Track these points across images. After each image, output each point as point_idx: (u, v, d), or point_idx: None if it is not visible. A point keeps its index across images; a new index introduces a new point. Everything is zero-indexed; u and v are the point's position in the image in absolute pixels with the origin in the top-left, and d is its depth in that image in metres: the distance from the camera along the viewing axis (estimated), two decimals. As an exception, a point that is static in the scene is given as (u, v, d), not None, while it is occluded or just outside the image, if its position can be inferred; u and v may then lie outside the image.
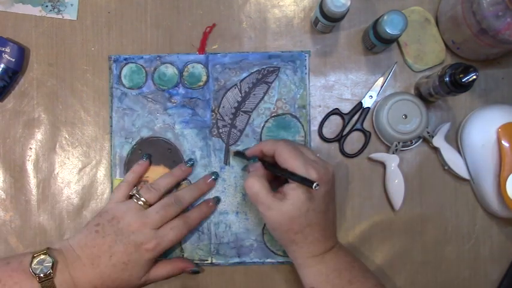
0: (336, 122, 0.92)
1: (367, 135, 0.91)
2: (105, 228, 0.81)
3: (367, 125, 0.91)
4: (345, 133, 0.91)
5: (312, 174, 0.76)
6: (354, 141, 0.91)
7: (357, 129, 0.91)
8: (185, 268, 0.87)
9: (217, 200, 0.90)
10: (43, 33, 0.92)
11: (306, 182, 0.74)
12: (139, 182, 0.89)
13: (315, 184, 0.72)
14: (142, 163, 0.89)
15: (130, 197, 0.86)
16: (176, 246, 0.90)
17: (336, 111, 0.91)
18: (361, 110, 0.91)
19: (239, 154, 0.89)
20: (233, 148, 0.91)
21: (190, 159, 0.90)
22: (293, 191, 0.76)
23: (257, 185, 0.78)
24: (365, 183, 0.91)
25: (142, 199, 0.83)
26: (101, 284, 0.79)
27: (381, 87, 0.91)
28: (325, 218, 0.78)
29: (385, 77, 0.91)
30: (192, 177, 0.90)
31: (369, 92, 0.91)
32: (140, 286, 0.84)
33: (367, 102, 0.91)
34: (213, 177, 0.90)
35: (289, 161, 0.77)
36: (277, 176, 0.82)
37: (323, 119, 0.91)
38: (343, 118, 0.91)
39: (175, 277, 0.89)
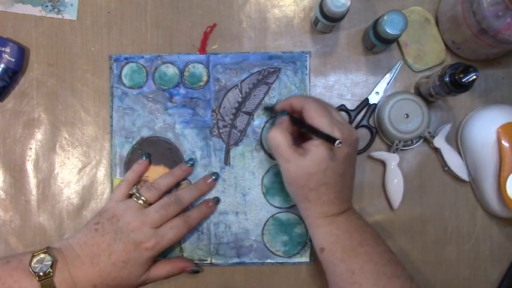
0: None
1: (373, 131, 0.91)
2: (104, 226, 0.81)
3: (373, 122, 0.92)
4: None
5: (336, 134, 0.75)
6: (359, 137, 0.91)
7: (363, 126, 0.91)
8: (185, 268, 0.87)
9: (217, 200, 0.90)
10: (43, 33, 0.92)
11: (330, 139, 0.74)
12: (139, 181, 0.89)
13: (337, 142, 0.72)
14: (142, 162, 0.89)
15: (130, 196, 0.86)
16: (176, 246, 0.90)
17: (342, 108, 0.91)
18: (367, 107, 0.91)
19: (268, 109, 0.89)
20: (233, 150, 0.91)
21: (190, 159, 0.90)
22: (315, 147, 0.76)
23: (280, 137, 0.77)
24: (365, 182, 0.91)
25: (142, 198, 0.83)
26: (100, 282, 0.79)
27: (388, 83, 0.91)
28: (342, 181, 0.78)
29: (391, 73, 0.91)
30: (192, 177, 0.90)
31: (375, 88, 0.91)
32: (140, 285, 0.84)
33: (373, 99, 0.91)
34: (213, 177, 0.90)
35: (316, 117, 0.77)
36: (303, 134, 0.81)
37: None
38: (349, 114, 0.91)
39: (175, 277, 0.89)
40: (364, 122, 0.91)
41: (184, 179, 0.90)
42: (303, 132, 0.81)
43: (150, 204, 0.84)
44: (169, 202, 0.84)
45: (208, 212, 0.89)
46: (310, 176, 0.76)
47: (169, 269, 0.86)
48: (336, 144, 0.72)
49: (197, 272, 0.88)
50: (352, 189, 0.82)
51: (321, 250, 0.79)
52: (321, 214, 0.78)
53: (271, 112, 0.88)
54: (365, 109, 0.91)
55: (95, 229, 0.81)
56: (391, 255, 0.79)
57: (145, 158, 0.89)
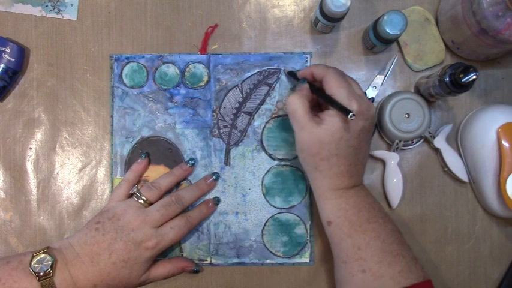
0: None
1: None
2: (105, 226, 0.81)
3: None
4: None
5: (353, 106, 0.75)
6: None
7: None
8: (185, 268, 0.87)
9: (217, 200, 0.90)
10: (43, 33, 0.92)
11: (343, 110, 0.73)
12: (139, 181, 0.89)
13: (351, 114, 0.71)
14: (141, 162, 0.89)
15: (131, 195, 0.86)
16: (175, 246, 0.90)
17: None
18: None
19: (291, 74, 0.89)
20: (233, 150, 0.91)
21: (191, 159, 0.90)
22: (330, 117, 0.76)
23: (298, 102, 0.77)
24: (365, 181, 0.90)
25: (143, 197, 0.83)
26: (100, 282, 0.79)
27: (385, 77, 0.91)
28: (355, 154, 0.78)
29: (388, 67, 0.91)
30: (192, 177, 0.90)
31: (372, 82, 0.91)
32: (140, 285, 0.84)
33: (370, 93, 0.91)
34: (213, 177, 0.90)
35: (335, 88, 0.77)
36: (321, 105, 0.82)
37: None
38: None
39: (175, 277, 0.89)
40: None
41: (185, 179, 0.90)
42: (320, 102, 0.82)
43: (150, 204, 0.84)
44: (170, 202, 0.84)
45: (209, 212, 0.89)
46: (323, 145, 0.76)
47: (170, 269, 0.86)
48: (349, 116, 0.72)
49: (197, 271, 0.88)
50: (364, 165, 0.82)
51: (328, 223, 0.79)
52: (330, 186, 0.78)
53: (294, 78, 0.88)
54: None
55: (95, 228, 0.81)
56: (398, 235, 0.79)
57: (145, 157, 0.89)
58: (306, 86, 0.81)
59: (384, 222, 0.79)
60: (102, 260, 0.79)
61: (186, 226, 0.84)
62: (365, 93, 0.89)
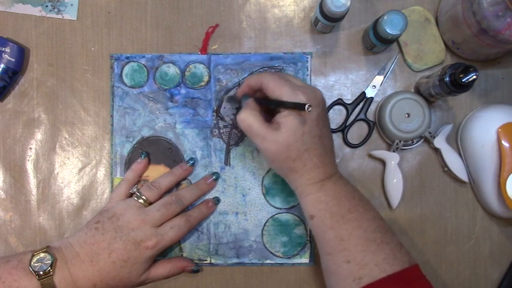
0: (339, 112, 0.92)
1: (370, 125, 0.91)
2: (105, 225, 0.81)
3: (370, 115, 0.92)
4: (348, 123, 0.91)
5: (301, 98, 0.75)
6: (357, 131, 0.92)
7: (360, 119, 0.91)
8: (185, 267, 0.87)
9: (216, 200, 0.90)
10: (43, 33, 0.92)
11: (298, 106, 0.73)
12: (139, 181, 0.89)
13: (307, 106, 0.71)
14: (141, 161, 0.89)
15: (131, 195, 0.86)
16: (175, 246, 0.90)
17: (339, 102, 0.91)
18: (364, 100, 0.91)
19: (231, 99, 0.89)
20: (234, 150, 0.91)
21: (191, 159, 0.90)
22: (285, 118, 0.75)
23: (250, 117, 0.77)
24: (364, 181, 0.91)
25: (142, 197, 0.83)
26: (100, 281, 0.79)
27: (385, 76, 0.91)
28: (321, 142, 0.77)
29: (388, 67, 0.91)
30: (192, 177, 0.90)
31: (372, 81, 0.91)
32: (140, 284, 0.84)
33: (370, 92, 0.91)
34: (214, 177, 0.90)
35: (277, 89, 0.77)
36: (271, 111, 0.80)
37: (326, 109, 0.91)
38: (346, 108, 0.91)
39: (175, 277, 0.89)
40: (362, 116, 0.91)
41: (185, 178, 0.90)
42: (271, 109, 0.80)
43: (150, 204, 0.84)
44: (170, 201, 0.84)
45: (208, 212, 0.89)
46: (290, 147, 0.75)
47: (170, 269, 0.86)
48: (306, 108, 0.72)
49: (197, 271, 0.88)
50: (333, 151, 0.81)
51: (310, 217, 0.79)
52: (308, 181, 0.78)
53: (236, 101, 0.88)
54: (362, 103, 0.91)
55: (95, 228, 0.81)
56: (380, 222, 0.78)
57: (144, 157, 0.89)
58: (250, 100, 0.81)
59: (365, 210, 0.78)
60: (101, 259, 0.79)
61: (186, 226, 0.84)
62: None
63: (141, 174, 0.89)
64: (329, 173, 0.79)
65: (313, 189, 0.78)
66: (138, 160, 0.89)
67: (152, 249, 0.81)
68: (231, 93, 0.91)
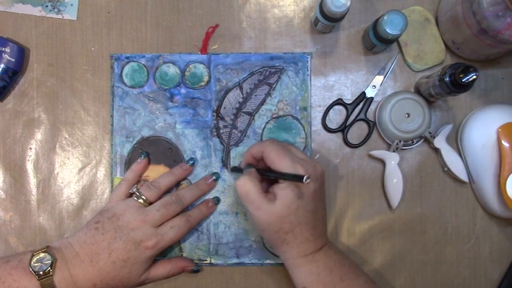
0: (339, 112, 0.92)
1: (370, 125, 0.91)
2: (104, 225, 0.81)
3: (370, 115, 0.92)
4: (348, 123, 0.91)
5: (299, 172, 0.75)
6: (357, 131, 0.92)
7: (360, 119, 0.91)
8: (185, 267, 0.87)
9: (216, 200, 0.90)
10: (43, 33, 0.92)
11: (296, 178, 0.74)
12: (139, 181, 0.89)
13: (305, 177, 0.71)
14: (141, 161, 0.89)
15: (131, 195, 0.86)
16: (175, 246, 0.90)
17: (339, 102, 0.91)
18: (364, 100, 0.91)
19: (235, 169, 0.89)
20: (233, 151, 0.91)
21: (191, 159, 0.90)
22: (282, 190, 0.76)
23: (248, 184, 0.77)
24: (364, 181, 0.91)
25: (142, 197, 0.84)
26: (100, 281, 0.79)
27: (385, 76, 0.91)
28: (314, 217, 0.78)
29: (388, 67, 0.91)
30: (192, 177, 0.90)
31: (372, 81, 0.91)
32: (140, 284, 0.84)
33: (370, 92, 0.91)
34: (214, 177, 0.90)
35: (277, 160, 0.77)
36: (272, 181, 0.81)
37: (326, 109, 0.91)
38: (346, 108, 0.91)
39: (175, 277, 0.89)
40: (362, 116, 0.91)
41: (185, 178, 0.90)
42: (271, 179, 0.81)
43: (150, 203, 0.84)
44: (170, 201, 0.84)
45: (208, 212, 0.89)
46: (283, 219, 0.76)
47: (170, 269, 0.86)
48: (304, 180, 0.72)
49: (197, 271, 0.88)
50: (325, 224, 0.82)
51: None
52: (299, 254, 0.78)
53: (239, 171, 0.87)
54: (362, 103, 0.91)
55: (95, 228, 0.81)
56: (372, 285, 0.79)
57: (144, 157, 0.89)
58: (252, 169, 0.81)
59: (356, 276, 0.79)
60: (101, 259, 0.79)
61: (186, 225, 0.84)
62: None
63: (141, 174, 0.89)
64: (320, 245, 0.79)
65: (304, 261, 0.78)
66: (138, 160, 0.89)
67: (152, 249, 0.81)
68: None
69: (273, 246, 0.81)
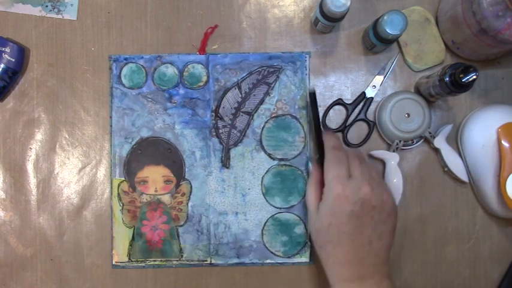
0: (339, 112, 0.92)
1: (370, 125, 0.91)
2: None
3: (370, 116, 0.91)
4: (348, 123, 0.91)
5: (336, 186, 0.76)
6: (357, 131, 0.92)
7: (360, 120, 0.91)
8: None
9: None
10: (43, 33, 0.92)
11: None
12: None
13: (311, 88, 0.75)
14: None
15: None
16: (175, 246, 0.90)
17: (339, 102, 0.91)
18: (364, 100, 0.91)
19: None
20: (233, 150, 0.91)
21: None
22: (322, 201, 0.77)
23: (308, 191, 0.81)
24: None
25: None
26: None
27: (385, 76, 0.91)
28: (350, 241, 0.75)
29: (388, 67, 0.91)
30: (192, 177, 0.90)
31: (372, 81, 0.91)
32: None
33: (370, 92, 0.91)
34: None
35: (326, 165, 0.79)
36: None
37: (326, 109, 0.91)
38: (346, 108, 0.91)
39: (174, 277, 0.89)
40: (362, 116, 0.91)
41: (184, 179, 0.90)
42: None
43: None
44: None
45: None
46: (318, 232, 0.77)
47: None
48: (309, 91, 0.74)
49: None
50: (379, 257, 0.77)
51: None
52: (336, 277, 0.76)
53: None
54: (362, 103, 0.91)
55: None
56: None
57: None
58: (315, 166, 0.83)
59: None
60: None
61: None
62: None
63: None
64: (360, 274, 0.75)
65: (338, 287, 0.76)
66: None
67: None
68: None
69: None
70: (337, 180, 0.76)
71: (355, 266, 0.75)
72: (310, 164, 0.83)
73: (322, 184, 0.80)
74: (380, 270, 0.76)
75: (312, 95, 0.87)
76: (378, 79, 0.91)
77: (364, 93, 0.91)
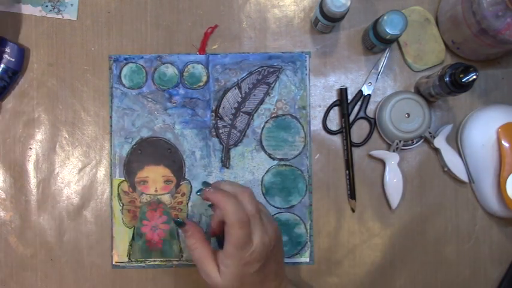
0: (339, 112, 0.92)
1: (371, 122, 0.91)
2: None
3: (370, 114, 0.92)
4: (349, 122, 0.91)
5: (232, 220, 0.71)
6: (357, 131, 0.92)
7: (360, 118, 0.91)
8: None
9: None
10: (43, 33, 0.92)
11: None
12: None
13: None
14: None
15: None
16: (175, 247, 0.90)
17: (337, 103, 0.91)
18: (362, 98, 0.91)
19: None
20: (233, 150, 0.91)
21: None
22: (225, 268, 0.72)
23: (197, 251, 0.75)
24: (364, 181, 0.91)
25: None
26: None
27: (379, 71, 0.91)
28: (260, 284, 0.75)
29: (381, 62, 0.91)
30: (192, 177, 0.90)
31: (368, 79, 0.91)
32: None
33: (366, 90, 0.91)
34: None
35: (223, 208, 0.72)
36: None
37: (326, 111, 0.91)
38: (346, 108, 0.91)
39: (174, 277, 0.89)
40: (362, 114, 0.91)
41: (184, 179, 0.90)
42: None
43: None
44: None
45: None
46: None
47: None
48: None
49: (182, 223, 0.78)
50: (279, 271, 0.78)
51: None
52: None
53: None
54: (360, 101, 0.91)
55: None
56: None
57: None
58: (191, 225, 0.76)
59: None
60: None
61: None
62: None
63: None
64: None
65: None
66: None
67: None
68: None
69: None
70: (243, 242, 0.71)
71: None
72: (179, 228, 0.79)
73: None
74: (282, 276, 0.79)
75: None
76: (374, 76, 0.91)
77: (361, 91, 0.91)
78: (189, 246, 0.76)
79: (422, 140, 0.90)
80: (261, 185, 0.91)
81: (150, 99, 0.91)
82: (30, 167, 0.91)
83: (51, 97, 0.91)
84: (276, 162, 0.91)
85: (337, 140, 0.91)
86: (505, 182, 0.83)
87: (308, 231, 0.90)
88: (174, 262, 0.90)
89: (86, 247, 0.91)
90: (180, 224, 0.76)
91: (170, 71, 0.91)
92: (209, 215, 0.90)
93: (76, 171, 0.91)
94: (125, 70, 0.91)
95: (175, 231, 0.90)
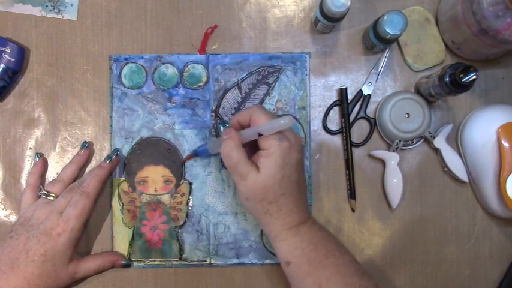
0: (339, 112, 0.92)
1: (371, 122, 0.91)
2: (17, 231, 0.81)
3: (370, 114, 0.92)
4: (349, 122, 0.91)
5: (288, 136, 0.76)
6: (358, 131, 0.92)
7: (360, 118, 0.91)
8: (115, 261, 0.88)
9: (116, 152, 0.89)
10: (43, 33, 0.92)
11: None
12: (72, 181, 0.88)
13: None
14: (37, 162, 0.89)
15: (39, 197, 0.86)
16: (175, 247, 0.90)
17: (337, 103, 0.91)
18: (362, 98, 0.91)
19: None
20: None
21: (84, 142, 0.90)
22: (266, 158, 0.75)
23: (236, 154, 0.76)
24: (364, 181, 0.91)
25: (51, 194, 0.84)
26: (27, 284, 0.79)
27: (379, 71, 0.91)
28: (298, 188, 0.77)
29: (381, 62, 0.91)
30: (192, 177, 0.90)
31: (368, 79, 0.91)
32: (72, 279, 0.84)
33: (366, 90, 0.91)
34: (114, 155, 0.89)
35: (262, 116, 0.76)
36: (253, 151, 0.79)
37: (326, 111, 0.91)
38: (345, 108, 0.91)
39: (175, 277, 0.89)
40: (362, 114, 0.91)
41: (184, 179, 0.90)
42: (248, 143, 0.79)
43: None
44: (73, 186, 0.85)
45: (103, 172, 0.87)
46: (268, 189, 0.75)
47: (100, 262, 0.86)
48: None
49: (128, 265, 0.89)
50: (306, 197, 0.81)
51: (286, 264, 0.78)
52: (283, 226, 0.77)
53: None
54: (360, 101, 0.91)
55: (10, 237, 0.81)
56: (356, 265, 0.78)
57: (38, 158, 0.89)
58: (232, 130, 0.78)
59: (341, 254, 0.78)
60: (21, 262, 0.79)
61: (83, 197, 0.83)
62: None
63: (43, 175, 0.90)
64: (304, 218, 0.79)
65: (289, 235, 0.77)
66: (34, 162, 0.89)
67: (63, 234, 0.80)
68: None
69: (257, 217, 0.80)
70: (282, 134, 0.76)
71: (301, 211, 0.78)
72: (222, 128, 0.79)
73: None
74: (309, 210, 0.82)
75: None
76: (374, 76, 0.91)
77: (361, 91, 0.91)
78: (224, 150, 0.77)
79: (422, 140, 0.90)
80: (261, 185, 0.90)
81: (150, 99, 0.91)
82: (30, 167, 0.91)
83: (51, 97, 0.91)
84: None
85: (337, 140, 0.91)
86: (505, 182, 0.83)
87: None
88: (174, 262, 0.90)
89: (86, 247, 0.90)
90: (223, 123, 0.79)
91: (170, 71, 0.91)
92: (209, 215, 0.90)
93: (76, 171, 0.91)
94: (125, 70, 0.91)
95: (175, 231, 0.90)
